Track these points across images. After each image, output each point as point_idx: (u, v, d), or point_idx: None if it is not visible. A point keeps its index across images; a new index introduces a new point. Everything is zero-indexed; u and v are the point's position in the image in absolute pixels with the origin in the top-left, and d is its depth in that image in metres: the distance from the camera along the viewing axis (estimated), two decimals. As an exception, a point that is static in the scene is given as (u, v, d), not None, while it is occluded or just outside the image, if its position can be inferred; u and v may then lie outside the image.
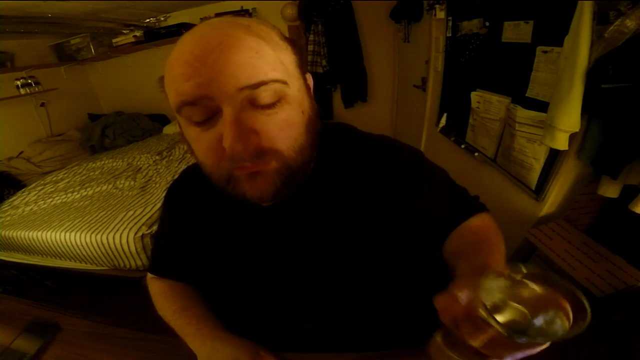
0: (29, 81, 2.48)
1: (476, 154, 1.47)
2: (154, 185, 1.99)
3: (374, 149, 0.51)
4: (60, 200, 1.94)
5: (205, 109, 0.37)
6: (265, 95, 0.36)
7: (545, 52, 0.99)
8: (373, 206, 0.48)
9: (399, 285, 0.52)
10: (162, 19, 2.84)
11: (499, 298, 0.26)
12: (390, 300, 0.56)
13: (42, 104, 2.71)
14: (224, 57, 0.35)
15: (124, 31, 2.75)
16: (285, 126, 0.39)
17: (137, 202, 1.75)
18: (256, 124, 0.37)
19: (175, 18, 2.81)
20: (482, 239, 0.49)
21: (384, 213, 0.48)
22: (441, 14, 1.66)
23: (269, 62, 0.37)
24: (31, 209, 1.89)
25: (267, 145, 0.38)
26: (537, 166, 1.08)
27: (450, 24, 1.60)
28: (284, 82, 0.38)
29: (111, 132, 2.95)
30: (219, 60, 0.34)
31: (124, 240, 1.47)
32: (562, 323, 0.25)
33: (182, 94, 0.36)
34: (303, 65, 0.44)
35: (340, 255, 0.48)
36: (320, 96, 0.53)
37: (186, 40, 0.37)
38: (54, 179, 2.30)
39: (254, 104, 0.37)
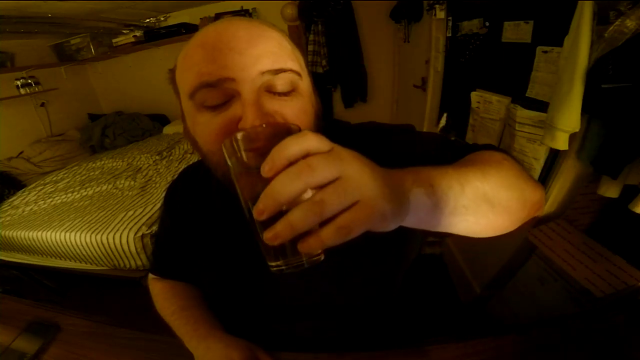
0: (29, 81, 2.48)
1: (476, 153, 1.47)
2: (154, 185, 1.99)
3: (367, 135, 0.51)
4: (60, 200, 1.94)
5: (223, 93, 0.37)
6: (282, 82, 0.38)
7: (545, 52, 0.99)
8: None
9: (400, 278, 0.52)
10: (162, 19, 2.84)
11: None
12: (391, 296, 0.56)
13: (42, 104, 2.71)
14: (251, 43, 0.37)
15: (124, 31, 2.75)
16: (300, 113, 0.40)
17: (137, 202, 1.75)
18: (273, 109, 0.38)
19: (175, 18, 2.81)
20: (466, 159, 0.40)
21: None
22: (441, 14, 1.65)
23: (288, 54, 0.40)
24: (31, 209, 1.89)
25: None
26: (537, 166, 1.08)
27: (450, 24, 1.59)
28: (299, 74, 0.40)
29: (111, 132, 2.95)
30: (246, 45, 0.37)
31: (124, 240, 1.47)
32: None
33: (204, 75, 0.37)
34: (307, 66, 0.46)
35: (340, 246, 0.48)
36: (320, 96, 0.54)
37: (210, 31, 0.39)
38: (54, 179, 2.30)
39: (270, 91, 0.38)
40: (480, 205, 0.33)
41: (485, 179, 0.34)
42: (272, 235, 0.24)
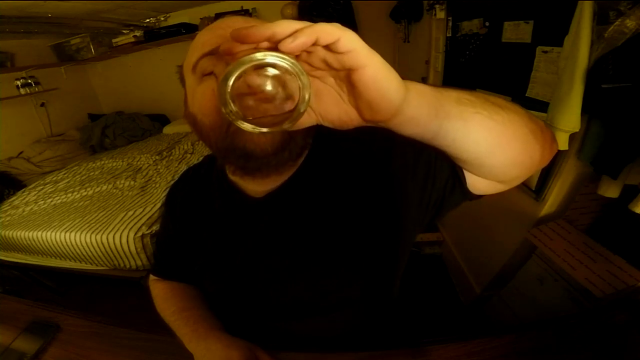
0: (29, 81, 2.48)
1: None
2: (154, 185, 1.99)
3: (356, 134, 0.51)
4: (60, 200, 1.94)
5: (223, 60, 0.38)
6: None
7: (545, 52, 0.99)
8: (366, 186, 0.48)
9: (399, 276, 0.52)
10: (162, 19, 2.84)
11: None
12: (391, 295, 0.56)
13: (42, 104, 2.71)
14: (249, 23, 0.40)
15: (124, 31, 2.75)
16: None
17: (137, 202, 1.75)
18: None
19: (175, 18, 2.81)
20: None
21: (379, 187, 0.48)
22: (441, 14, 1.66)
23: None
24: (31, 209, 1.88)
25: None
26: (537, 166, 1.08)
27: (450, 24, 1.60)
28: None
29: (111, 132, 2.95)
30: (245, 24, 0.39)
31: (124, 240, 1.47)
32: None
33: (206, 46, 0.40)
34: None
35: (338, 242, 0.48)
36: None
37: (216, 21, 0.44)
38: (54, 179, 2.30)
39: None
40: (484, 103, 0.31)
41: (477, 92, 0.32)
42: (247, 30, 0.23)
